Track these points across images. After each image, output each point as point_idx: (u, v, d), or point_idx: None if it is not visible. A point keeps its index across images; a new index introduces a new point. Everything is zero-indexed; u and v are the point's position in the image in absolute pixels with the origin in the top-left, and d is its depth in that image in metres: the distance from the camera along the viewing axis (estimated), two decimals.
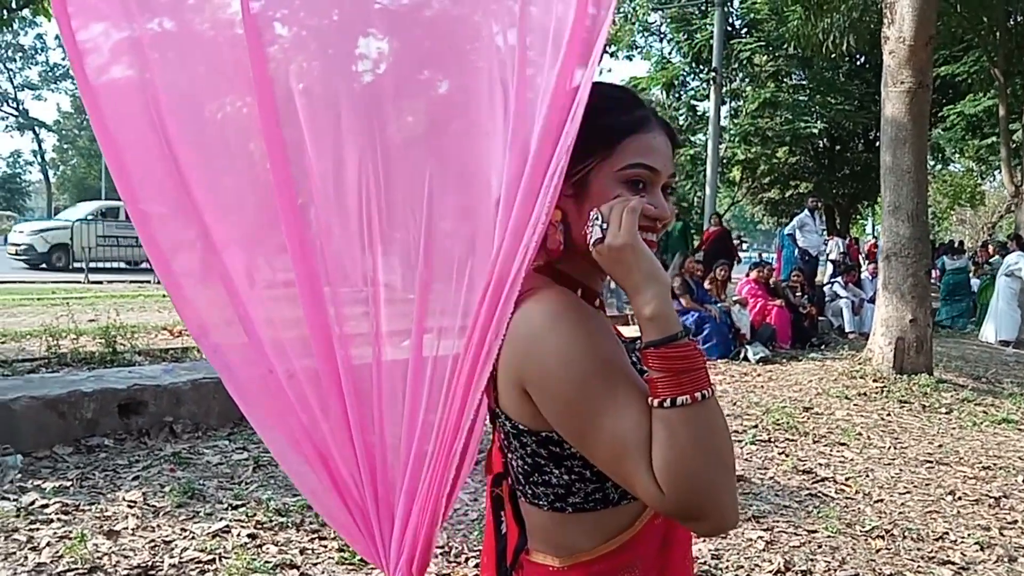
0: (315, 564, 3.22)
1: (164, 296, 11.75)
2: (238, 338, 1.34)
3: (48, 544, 3.22)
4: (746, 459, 5.04)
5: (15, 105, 52.49)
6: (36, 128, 53.16)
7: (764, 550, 3.64)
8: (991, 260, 14.87)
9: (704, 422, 0.96)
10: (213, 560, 3.17)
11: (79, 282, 14.22)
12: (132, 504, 3.68)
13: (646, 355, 0.98)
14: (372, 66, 1.77)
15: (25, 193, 57.13)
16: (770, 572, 3.43)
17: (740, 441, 5.45)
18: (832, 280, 12.71)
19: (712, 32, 18.09)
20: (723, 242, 13.56)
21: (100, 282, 14.05)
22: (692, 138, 23.52)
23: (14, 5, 9.58)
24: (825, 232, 16.02)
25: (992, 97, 18.16)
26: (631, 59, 31.84)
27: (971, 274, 14.65)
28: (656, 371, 0.97)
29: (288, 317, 1.36)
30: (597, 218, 1.03)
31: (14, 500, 3.65)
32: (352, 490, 1.30)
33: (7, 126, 52.85)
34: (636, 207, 1.01)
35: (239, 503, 3.77)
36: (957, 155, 26.15)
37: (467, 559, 3.34)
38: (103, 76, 1.41)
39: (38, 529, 3.37)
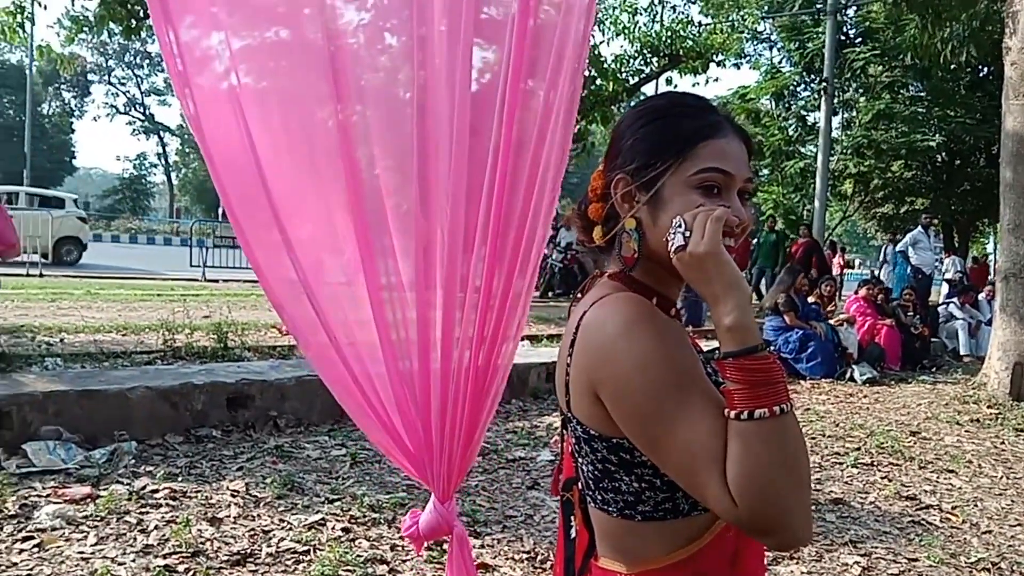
0: (404, 561, 3.29)
1: None
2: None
3: (156, 527, 3.40)
4: (846, 482, 4.85)
5: (142, 110, 55.82)
6: (161, 132, 56.38)
7: None
8: None
9: (781, 437, 0.95)
10: (308, 551, 3.28)
11: (196, 279, 14.96)
12: (235, 493, 3.85)
13: (724, 366, 0.98)
14: (478, 75, 1.82)
15: (149, 194, 60.51)
16: None
17: (842, 464, 5.25)
18: (947, 300, 12.10)
19: (824, 41, 17.55)
20: (812, 255, 13.07)
21: (216, 280, 14.73)
22: (802, 149, 22.84)
23: (142, 15, 10.20)
24: (942, 250, 15.26)
25: None
26: (739, 67, 31.30)
27: None
28: (734, 383, 0.97)
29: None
30: (680, 225, 1.02)
31: (127, 484, 3.87)
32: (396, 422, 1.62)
33: (134, 130, 56.37)
34: (720, 216, 1.01)
35: (335, 497, 3.89)
36: None
37: (552, 565, 3.34)
38: (207, 85, 1.49)
39: (147, 513, 3.56)
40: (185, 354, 6.22)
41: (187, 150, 56.69)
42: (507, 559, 3.40)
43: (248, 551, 3.25)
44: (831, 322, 9.45)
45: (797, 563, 3.55)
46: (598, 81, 15.22)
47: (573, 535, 1.24)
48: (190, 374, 5.06)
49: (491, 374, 1.60)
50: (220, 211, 21.07)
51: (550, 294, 15.30)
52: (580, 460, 1.18)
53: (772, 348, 8.20)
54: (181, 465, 4.20)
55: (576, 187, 54.17)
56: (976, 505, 4.60)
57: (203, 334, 6.94)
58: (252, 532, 3.44)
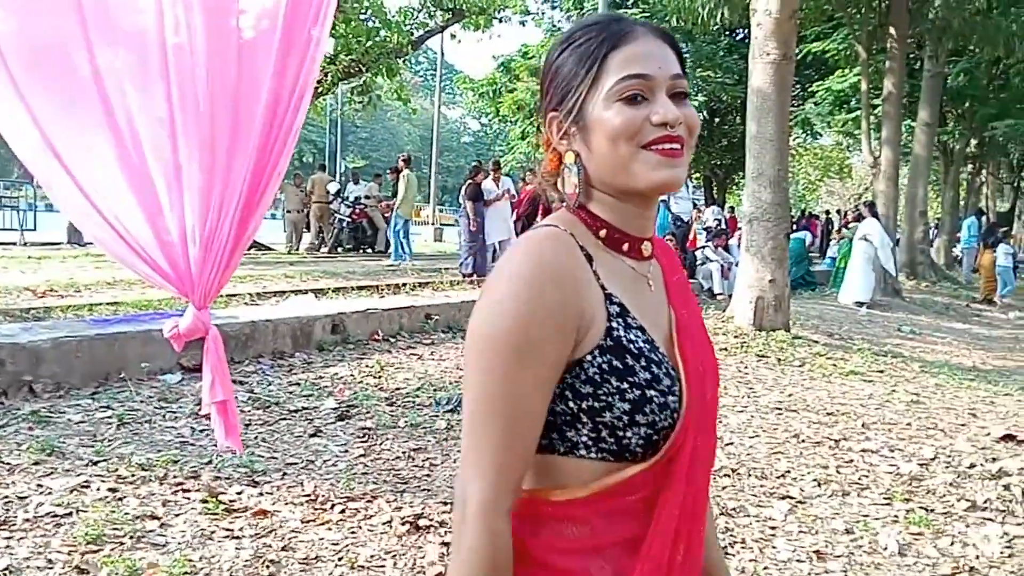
0: (177, 515, 3.22)
1: (29, 258, 11.15)
2: None
3: None
4: None
5: None
6: None
7: None
8: (849, 226, 15.87)
9: None
10: (70, 513, 3.13)
11: None
12: None
13: None
14: (255, 21, 2.07)
15: None
16: None
17: None
18: (703, 245, 13.27)
19: (599, 2, 18.33)
20: (538, 202, 13.60)
21: None
22: None
23: None
24: (702, 200, 16.65)
25: (857, 73, 19.17)
26: (524, 24, 31.88)
27: (806, 244, 15.59)
28: None
29: None
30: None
31: None
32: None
33: None
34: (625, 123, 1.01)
35: (100, 459, 3.71)
36: (826, 129, 27.53)
37: (333, 506, 3.41)
38: None
39: None
40: None
41: None
42: (287, 504, 3.42)
43: (1, 519, 3.04)
44: None
45: None
46: (382, 33, 15.00)
47: None
48: None
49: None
50: None
51: (339, 249, 15.06)
52: None
53: None
54: None
55: (366, 141, 53.21)
56: (720, 421, 5.18)
57: None
58: (5, 499, 3.22)
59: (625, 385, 0.98)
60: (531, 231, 1.04)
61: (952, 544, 3.51)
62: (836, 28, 18.74)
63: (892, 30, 15.80)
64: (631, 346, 1.00)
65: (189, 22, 2.09)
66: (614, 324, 1.00)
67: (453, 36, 17.74)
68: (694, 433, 1.03)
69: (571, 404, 0.99)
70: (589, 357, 0.98)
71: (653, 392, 0.99)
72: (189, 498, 3.38)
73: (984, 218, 20.98)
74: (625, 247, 1.08)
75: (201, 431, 4.18)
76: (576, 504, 1.01)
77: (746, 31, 21.11)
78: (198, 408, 4.25)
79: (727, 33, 21.40)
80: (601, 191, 1.06)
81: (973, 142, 24.67)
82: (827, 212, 29.57)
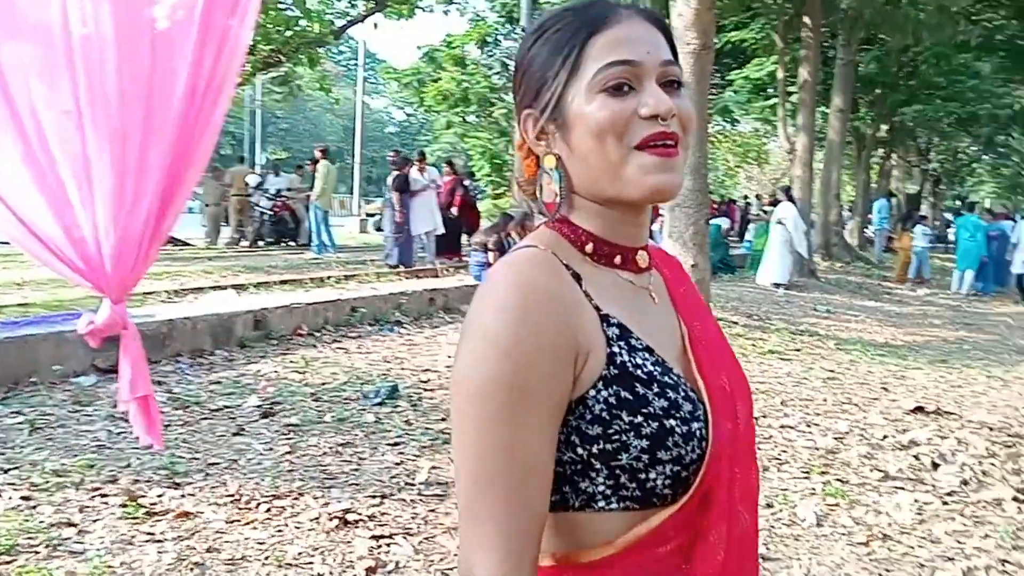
0: (95, 521, 3.12)
1: None
2: None
3: None
4: None
5: None
6: None
7: None
8: (765, 209, 16.35)
9: None
10: None
11: None
12: None
13: None
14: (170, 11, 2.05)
15: None
16: None
17: None
18: None
19: None
20: (455, 191, 13.11)
21: None
22: (506, 97, 23.88)
23: None
24: None
25: (774, 62, 19.70)
26: (447, 14, 31.71)
27: (722, 229, 16.06)
28: None
29: None
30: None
31: None
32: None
33: None
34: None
35: (11, 467, 3.57)
36: (744, 116, 28.22)
37: (258, 505, 3.36)
38: None
39: None
40: None
41: None
42: (210, 505, 3.35)
43: None
44: None
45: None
46: (303, 22, 14.73)
47: None
48: None
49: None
50: None
51: (260, 243, 14.76)
52: None
53: (479, 282, 8.60)
54: None
55: (287, 132, 52.16)
56: None
57: None
58: None
59: (639, 418, 0.83)
60: (506, 256, 0.89)
61: (867, 513, 3.67)
62: (754, 18, 19.20)
63: (807, 20, 16.28)
64: (639, 371, 0.85)
65: (97, 13, 2.05)
66: (615, 349, 0.85)
67: (376, 25, 17.55)
68: (729, 463, 0.88)
69: (579, 450, 0.84)
70: (592, 392, 0.83)
71: (673, 421, 0.84)
72: (107, 503, 3.28)
73: (894, 200, 21.82)
74: (618, 260, 0.93)
75: (119, 433, 4.05)
76: (605, 564, 0.85)
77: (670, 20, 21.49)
78: (115, 410, 4.12)
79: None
80: (584, 198, 0.92)
81: (884, 127, 25.63)
82: (745, 197, 30.33)
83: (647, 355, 0.87)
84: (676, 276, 1.04)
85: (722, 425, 0.88)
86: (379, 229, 16.17)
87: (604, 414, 0.83)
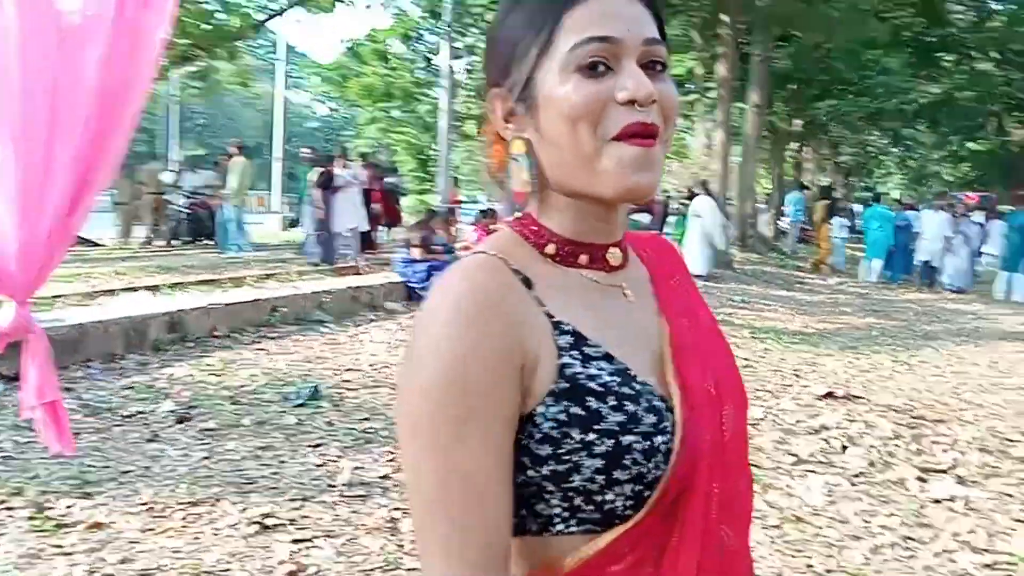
0: (1, 535, 3.01)
1: None
2: None
3: None
4: None
5: None
6: None
7: None
8: (683, 203, 16.73)
9: None
10: None
11: None
12: None
13: None
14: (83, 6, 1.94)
15: None
16: None
17: None
18: None
19: None
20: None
21: None
22: (431, 92, 23.77)
23: None
24: None
25: (693, 59, 20.13)
26: (369, 8, 31.34)
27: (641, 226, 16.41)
28: None
29: None
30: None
31: None
32: None
33: None
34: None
35: None
36: None
37: (173, 512, 3.28)
38: None
39: None
40: None
41: None
42: (123, 514, 3.25)
43: None
44: (457, 252, 10.18)
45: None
46: (221, 16, 14.37)
47: None
48: None
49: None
50: None
51: (176, 242, 14.35)
52: None
53: (404, 279, 8.57)
54: None
55: (204, 128, 50.70)
56: None
57: None
58: None
59: (592, 436, 0.74)
60: (455, 264, 0.81)
61: (780, 497, 3.80)
62: (673, 15, 19.57)
63: (725, 18, 16.67)
64: (592, 383, 0.76)
65: (2, 8, 1.97)
66: (567, 359, 0.76)
67: (298, 20, 17.24)
68: (707, 476, 0.79)
69: (531, 472, 0.76)
70: (541, 409, 0.75)
71: (631, 437, 0.75)
72: (13, 516, 3.16)
73: (807, 192, 22.56)
74: (584, 259, 0.84)
75: (25, 443, 3.90)
76: None
77: None
78: (20, 419, 3.96)
79: None
80: (553, 189, 0.83)
81: (798, 122, 26.46)
82: (666, 191, 30.91)
83: (604, 364, 0.78)
84: (666, 267, 0.94)
85: (698, 434, 0.79)
86: (292, 225, 15.76)
87: (554, 432, 0.75)
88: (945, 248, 14.45)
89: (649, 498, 0.76)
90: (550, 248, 0.83)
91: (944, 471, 4.16)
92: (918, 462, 4.27)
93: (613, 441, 0.75)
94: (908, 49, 21.81)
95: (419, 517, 0.75)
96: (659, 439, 0.77)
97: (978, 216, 16.94)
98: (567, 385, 0.75)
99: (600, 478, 0.75)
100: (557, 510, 0.77)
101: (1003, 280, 13.84)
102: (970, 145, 31.74)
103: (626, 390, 0.77)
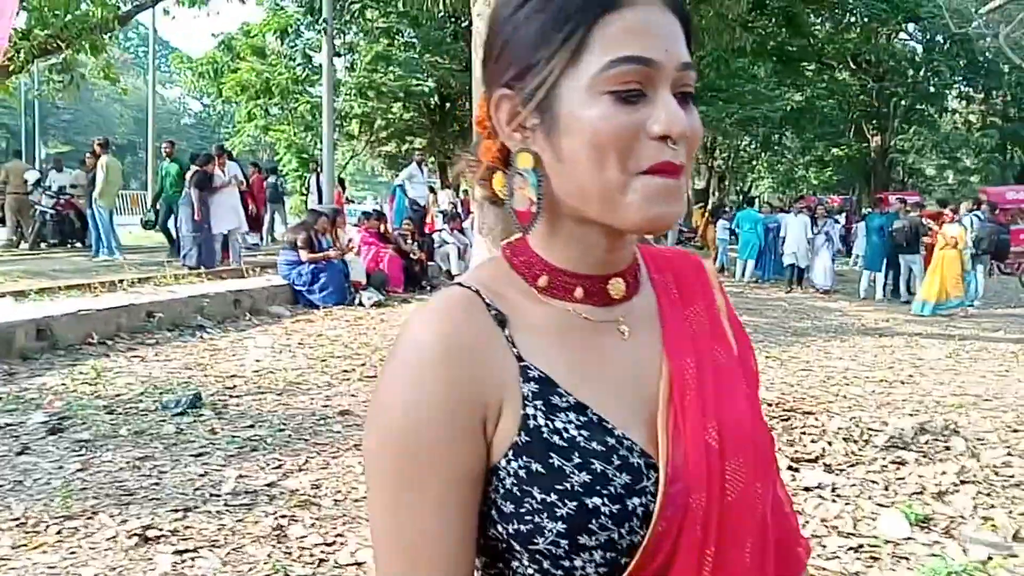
0: None
1: None
2: None
3: None
4: (353, 395, 5.34)
5: None
6: None
7: None
8: None
9: None
10: None
11: None
12: None
13: None
14: None
15: None
16: None
17: (349, 379, 5.74)
18: (440, 228, 13.62)
19: None
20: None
21: None
22: (311, 89, 23.29)
23: None
24: (438, 184, 17.08)
25: None
26: (244, 2, 30.42)
27: None
28: None
29: None
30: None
31: None
32: None
33: None
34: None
35: None
36: None
37: (47, 527, 3.15)
38: None
39: None
40: None
41: None
42: None
43: None
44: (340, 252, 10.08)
45: (305, 473, 3.85)
46: (84, 6, 13.65)
47: None
48: None
49: None
50: None
51: (42, 245, 13.57)
52: None
53: (288, 281, 8.42)
54: None
55: (69, 124, 47.87)
56: None
57: None
58: None
59: (552, 497, 0.67)
60: (429, 298, 0.75)
61: None
62: None
63: None
64: (556, 438, 0.68)
65: None
66: (530, 411, 0.69)
67: (167, 12, 16.57)
68: (701, 542, 0.70)
69: (499, 528, 0.69)
70: (503, 462, 0.69)
71: (598, 500, 0.67)
72: None
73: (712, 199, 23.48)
74: (578, 293, 0.75)
75: None
76: None
77: (468, 20, 21.86)
78: None
79: (452, 20, 21.88)
80: (561, 212, 0.73)
81: None
82: None
83: (573, 415, 0.70)
84: (685, 294, 0.84)
85: (686, 495, 0.69)
86: (148, 226, 14.82)
87: (515, 489, 0.68)
88: (808, 249, 15.29)
89: (627, 565, 0.68)
90: (542, 280, 0.75)
91: (814, 460, 4.36)
92: (790, 452, 4.49)
93: (576, 503, 0.67)
94: (773, 58, 22.95)
95: (377, 564, 0.71)
96: (634, 501, 0.68)
97: (841, 217, 18.01)
98: (528, 439, 0.68)
99: (564, 543, 0.67)
100: (530, 570, 0.69)
101: (866, 279, 14.78)
102: (834, 151, 33.70)
103: (595, 446, 0.69)
